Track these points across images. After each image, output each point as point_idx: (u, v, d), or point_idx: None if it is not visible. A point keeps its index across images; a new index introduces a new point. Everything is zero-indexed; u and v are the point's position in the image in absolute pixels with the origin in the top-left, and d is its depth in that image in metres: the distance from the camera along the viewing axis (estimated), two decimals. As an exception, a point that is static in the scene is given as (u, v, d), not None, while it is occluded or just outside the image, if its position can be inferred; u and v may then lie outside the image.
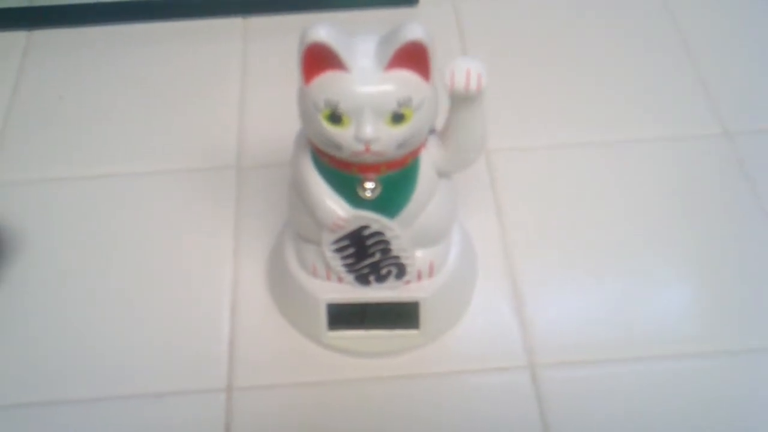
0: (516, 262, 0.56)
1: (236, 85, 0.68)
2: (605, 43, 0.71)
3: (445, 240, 0.50)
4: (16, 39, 0.72)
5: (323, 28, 0.39)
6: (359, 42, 0.41)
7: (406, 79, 0.40)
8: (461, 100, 0.42)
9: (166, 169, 0.62)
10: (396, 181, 0.44)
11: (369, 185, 0.44)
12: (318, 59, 0.40)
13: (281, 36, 0.69)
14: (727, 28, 0.72)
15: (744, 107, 0.65)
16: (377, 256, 0.48)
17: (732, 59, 0.69)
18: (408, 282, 0.50)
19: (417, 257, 0.49)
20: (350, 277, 0.49)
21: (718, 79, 0.67)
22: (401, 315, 0.51)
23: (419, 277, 0.50)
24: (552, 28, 0.72)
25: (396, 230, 0.46)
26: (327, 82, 0.40)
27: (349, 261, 0.48)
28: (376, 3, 0.72)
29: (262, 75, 0.68)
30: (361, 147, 0.41)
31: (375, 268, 0.49)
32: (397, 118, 0.41)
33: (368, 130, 0.40)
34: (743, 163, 0.61)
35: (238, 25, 0.73)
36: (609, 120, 0.65)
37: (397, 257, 0.48)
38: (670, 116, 0.65)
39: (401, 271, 0.49)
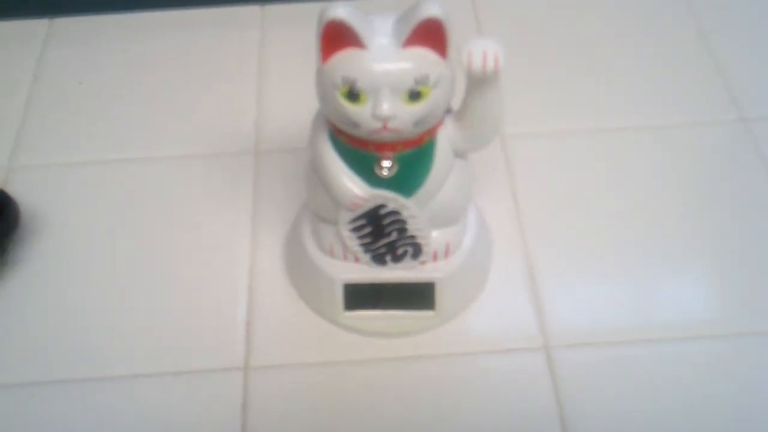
0: (531, 244, 0.56)
1: (254, 71, 0.68)
2: (622, 29, 0.71)
3: (460, 220, 0.51)
4: (38, 27, 0.73)
5: (341, 6, 0.40)
6: (377, 20, 0.41)
7: (423, 56, 0.41)
8: (478, 81, 0.42)
9: (185, 154, 0.63)
10: (413, 160, 0.45)
11: (386, 164, 0.45)
12: (336, 37, 0.40)
13: (298, 23, 0.69)
14: (743, 13, 0.71)
15: (760, 93, 0.65)
16: (394, 236, 0.48)
17: (748, 45, 0.69)
18: (424, 262, 0.50)
19: (433, 237, 0.49)
20: (367, 257, 0.50)
21: (734, 65, 0.67)
22: (417, 295, 0.51)
23: (435, 257, 0.50)
24: (569, 14, 0.72)
25: (412, 209, 0.46)
26: (345, 59, 0.41)
27: (366, 240, 0.49)
28: (393, -10, 0.72)
29: (280, 61, 0.69)
30: (378, 124, 0.41)
31: (391, 247, 0.49)
32: (414, 95, 0.41)
33: (385, 107, 0.41)
34: (759, 149, 0.61)
35: (256, 12, 0.73)
36: (625, 106, 0.65)
37: (413, 237, 0.48)
38: (686, 102, 0.65)
39: (417, 250, 0.49)
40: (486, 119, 0.45)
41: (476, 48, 0.41)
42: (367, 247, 0.49)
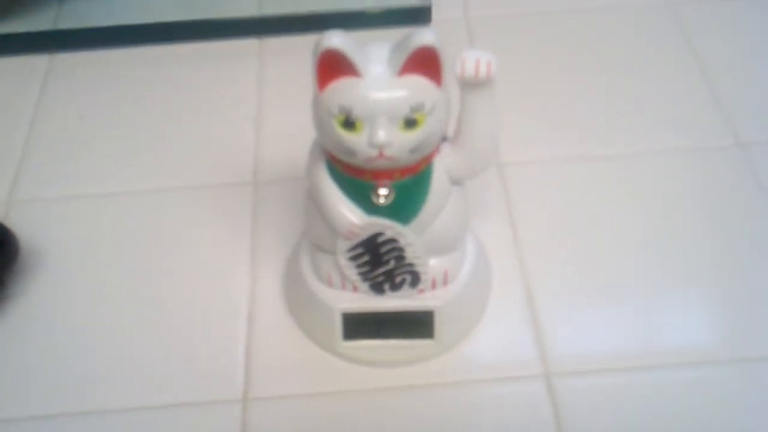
0: (530, 272, 0.56)
1: (253, 103, 0.69)
2: (617, 56, 0.71)
3: (458, 248, 0.51)
4: (39, 62, 0.73)
5: (337, 35, 0.40)
6: (372, 49, 0.42)
7: (418, 84, 0.41)
8: (472, 90, 0.43)
9: (185, 186, 0.63)
10: (409, 188, 0.45)
11: (382, 191, 0.45)
12: (332, 66, 0.41)
13: (296, 56, 0.69)
14: (738, 38, 0.72)
15: (756, 117, 0.65)
16: (391, 264, 0.48)
17: (743, 70, 0.69)
18: (422, 290, 0.50)
19: (431, 265, 0.49)
20: (365, 286, 0.50)
21: (730, 90, 0.67)
22: (416, 324, 0.51)
23: (434, 285, 0.50)
24: (564, 44, 0.73)
25: (410, 237, 0.47)
26: (341, 88, 0.41)
27: (364, 269, 0.49)
28: (390, 23, 0.73)
29: (278, 94, 0.70)
30: (374, 152, 0.42)
31: (389, 276, 0.49)
32: (410, 123, 0.41)
33: (381, 134, 0.41)
34: (757, 174, 0.61)
35: (254, 46, 0.74)
36: (621, 132, 0.65)
37: (411, 265, 0.48)
38: (683, 128, 0.65)
39: (415, 279, 0.49)
40: (481, 135, 0.45)
41: (469, 56, 0.42)
42: (365, 276, 0.49)
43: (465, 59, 0.42)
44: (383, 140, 0.41)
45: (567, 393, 0.50)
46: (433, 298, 0.50)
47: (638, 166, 0.63)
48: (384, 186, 0.44)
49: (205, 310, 0.55)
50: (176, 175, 0.64)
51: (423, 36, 0.40)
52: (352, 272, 0.49)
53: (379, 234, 0.46)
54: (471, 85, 0.42)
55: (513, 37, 0.74)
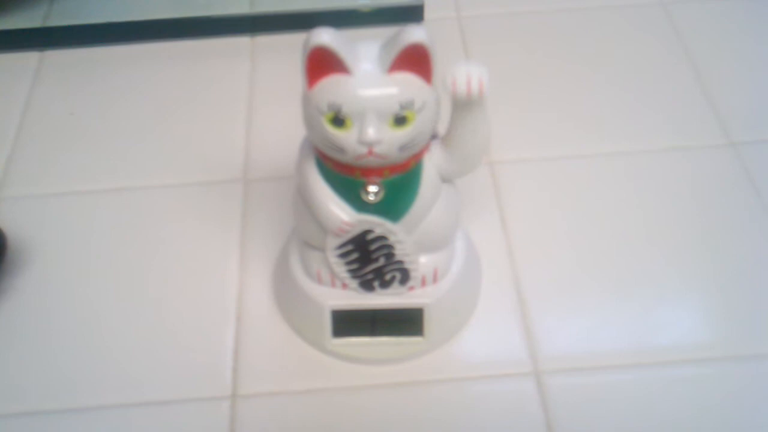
0: (520, 269, 0.56)
1: (244, 101, 0.69)
2: (609, 55, 0.71)
3: (448, 246, 0.51)
4: (29, 59, 0.73)
5: (326, 32, 0.40)
6: (362, 46, 0.42)
7: (408, 81, 0.41)
8: (464, 105, 0.43)
9: (175, 183, 0.63)
10: (399, 185, 0.45)
11: (372, 189, 0.45)
12: (321, 63, 0.41)
13: (288, 54, 0.69)
14: (730, 38, 0.72)
15: (749, 117, 0.65)
16: (381, 261, 0.48)
17: (736, 69, 0.69)
18: (412, 288, 0.50)
19: (421, 263, 0.49)
20: (354, 283, 0.50)
21: (722, 89, 0.67)
22: (406, 321, 0.51)
23: (423, 283, 0.50)
24: (557, 42, 0.73)
25: (399, 234, 0.47)
26: (330, 85, 0.41)
27: (353, 266, 0.49)
28: (382, 21, 0.74)
29: (270, 91, 0.70)
30: (364, 149, 0.42)
31: (379, 273, 0.49)
32: (400, 120, 0.41)
33: (371, 132, 0.41)
34: (750, 173, 0.61)
35: (246, 43, 0.74)
36: (613, 131, 0.65)
37: (400, 262, 0.48)
38: (675, 126, 0.65)
39: (405, 276, 0.49)
40: (472, 142, 0.45)
41: (460, 72, 0.41)
42: (354, 273, 0.49)
43: (455, 76, 0.41)
44: (372, 138, 0.41)
45: (557, 391, 0.50)
46: (423, 296, 0.50)
47: (630, 164, 0.63)
48: (373, 183, 0.44)
49: (194, 306, 0.55)
50: (166, 172, 0.64)
51: (413, 33, 0.40)
52: (341, 269, 0.49)
53: (368, 231, 0.46)
54: (463, 102, 0.42)
55: (505, 36, 0.74)
